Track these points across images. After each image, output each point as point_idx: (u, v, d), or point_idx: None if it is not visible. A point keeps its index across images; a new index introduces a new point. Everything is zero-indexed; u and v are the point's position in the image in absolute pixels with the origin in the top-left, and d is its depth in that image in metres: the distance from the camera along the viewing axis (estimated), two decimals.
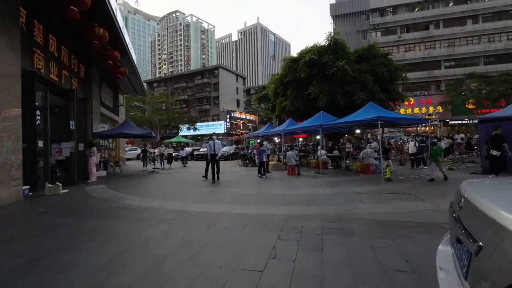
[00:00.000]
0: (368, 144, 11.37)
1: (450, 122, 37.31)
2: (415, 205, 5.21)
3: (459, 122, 37.32)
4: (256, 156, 11.94)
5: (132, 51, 15.06)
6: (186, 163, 18.29)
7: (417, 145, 12.34)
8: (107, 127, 16.18)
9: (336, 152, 13.33)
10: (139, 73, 16.42)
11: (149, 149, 15.57)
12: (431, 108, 38.61)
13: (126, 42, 11.16)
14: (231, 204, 5.64)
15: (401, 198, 5.89)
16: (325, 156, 12.58)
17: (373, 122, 8.47)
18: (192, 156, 24.41)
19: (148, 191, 7.85)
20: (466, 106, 33.71)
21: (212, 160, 9.30)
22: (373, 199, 5.86)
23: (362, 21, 46.65)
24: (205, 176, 9.83)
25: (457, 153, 14.09)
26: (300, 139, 23.24)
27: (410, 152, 12.79)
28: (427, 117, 28.02)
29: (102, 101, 14.84)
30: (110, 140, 17.93)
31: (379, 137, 11.65)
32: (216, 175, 9.33)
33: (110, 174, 13.00)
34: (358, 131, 16.59)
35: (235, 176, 11.28)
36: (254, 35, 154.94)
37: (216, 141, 9.47)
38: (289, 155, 11.00)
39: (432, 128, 33.12)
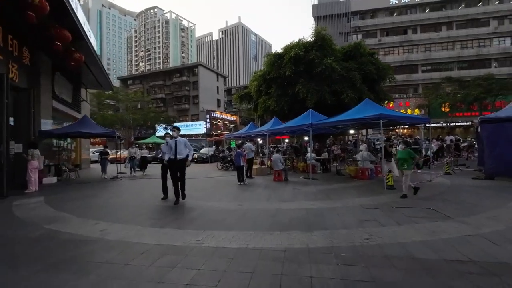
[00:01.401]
0: (363, 145, 10.26)
1: (427, 125, 38.15)
2: (448, 227, 3.97)
3: (435, 124, 38.28)
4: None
5: (92, 37, 12.96)
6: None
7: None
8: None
9: (325, 155, 12.15)
10: (102, 63, 14.25)
11: (109, 151, 13.14)
12: (409, 111, 39.31)
13: (79, 21, 9.17)
14: (202, 230, 4.08)
15: (422, 214, 4.67)
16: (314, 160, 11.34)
17: (374, 120, 7.31)
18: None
19: (96, 207, 6.02)
20: (442, 109, 34.60)
21: (173, 168, 6.13)
22: (389, 217, 4.58)
23: (344, 23, 46.78)
24: (165, 196, 6.64)
25: (448, 156, 13.51)
26: (286, 140, 22.00)
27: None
28: None
29: (55, 95, 12.58)
30: (69, 140, 15.56)
31: (374, 137, 10.61)
32: (180, 192, 6.20)
33: (63, 181, 10.84)
34: (352, 131, 15.59)
35: (212, 183, 9.67)
36: (235, 34, 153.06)
37: (179, 139, 6.16)
38: (275, 159, 9.60)
39: (410, 130, 33.54)
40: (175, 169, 6.10)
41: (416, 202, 5.72)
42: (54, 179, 10.41)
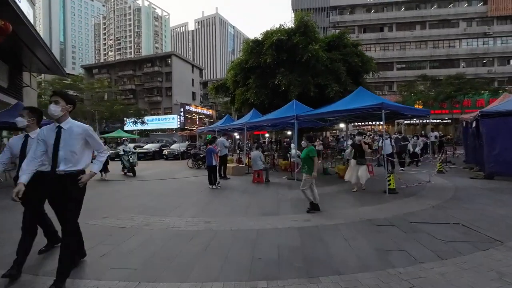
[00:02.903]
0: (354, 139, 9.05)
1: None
2: (504, 257, 2.73)
3: (408, 121, 39.20)
4: None
5: (27, 5, 10.45)
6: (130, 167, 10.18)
7: (393, 143, 10.53)
8: None
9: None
10: (42, 39, 11.67)
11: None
12: None
13: None
14: (135, 281, 2.45)
15: (457, 235, 3.42)
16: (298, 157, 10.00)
17: (375, 111, 6.07)
18: (160, 155, 20.01)
19: None
20: (416, 106, 35.34)
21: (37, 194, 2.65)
22: (417, 241, 3.26)
23: (323, 18, 46.22)
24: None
25: (439, 153, 12.91)
26: (267, 135, 20.49)
27: (387, 152, 10.94)
28: None
29: None
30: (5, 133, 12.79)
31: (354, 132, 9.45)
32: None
33: None
34: (342, 125, 14.46)
35: (177, 186, 7.93)
36: (212, 26, 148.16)
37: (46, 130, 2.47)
38: (255, 157, 8.08)
39: (388, 127, 33.85)
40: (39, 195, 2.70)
41: (433, 213, 4.53)
42: None
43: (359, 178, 6.29)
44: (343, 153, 9.37)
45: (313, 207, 4.76)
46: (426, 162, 12.08)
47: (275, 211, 4.90)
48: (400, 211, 4.66)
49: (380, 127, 36.78)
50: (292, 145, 9.91)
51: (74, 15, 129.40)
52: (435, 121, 36.59)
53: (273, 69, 15.88)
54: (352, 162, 6.58)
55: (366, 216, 4.37)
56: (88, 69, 54.41)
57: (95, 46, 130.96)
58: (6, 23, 8.12)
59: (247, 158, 11.44)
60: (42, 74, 43.48)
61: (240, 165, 10.87)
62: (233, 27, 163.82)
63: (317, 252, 3.05)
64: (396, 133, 12.43)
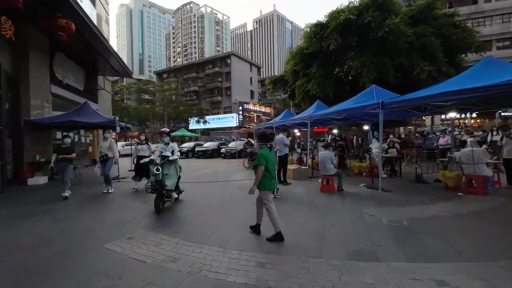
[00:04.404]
0: (471, 139, 6.32)
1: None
2: None
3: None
4: None
5: (92, 11, 10.90)
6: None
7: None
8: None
9: (393, 151, 8.34)
10: (108, 42, 12.13)
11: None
12: None
13: None
14: None
15: None
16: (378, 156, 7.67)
17: None
18: (218, 153, 19.97)
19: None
20: None
21: None
22: None
23: None
24: None
25: None
26: (335, 131, 17.88)
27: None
28: None
29: (56, 78, 10.79)
30: (82, 132, 13.98)
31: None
32: None
33: (55, 182, 8.73)
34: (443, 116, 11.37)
35: (227, 193, 6.66)
36: (270, 23, 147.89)
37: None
38: (324, 158, 6.23)
39: (481, 120, 26.83)
40: None
41: None
42: (41, 179, 8.46)
43: None
44: (451, 155, 6.68)
45: (255, 230, 3.66)
46: None
47: (369, 250, 3.06)
48: None
49: (473, 121, 29.60)
50: (374, 142, 7.68)
51: (150, 28, 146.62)
52: None
53: (339, 55, 13.58)
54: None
55: None
56: (159, 74, 60.08)
57: (166, 55, 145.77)
58: (68, 21, 8.31)
59: (310, 159, 9.61)
60: (124, 80, 49.62)
61: (303, 166, 9.09)
62: (291, 23, 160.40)
63: None
64: (495, 128, 8.92)
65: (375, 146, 7.43)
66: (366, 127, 10.16)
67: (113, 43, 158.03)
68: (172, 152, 5.33)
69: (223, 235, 3.64)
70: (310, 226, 3.97)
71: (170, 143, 5.51)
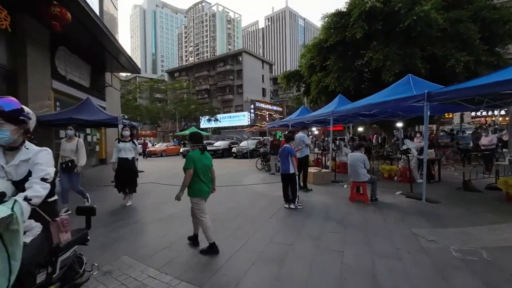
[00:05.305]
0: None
1: None
2: None
3: None
4: (278, 159, 5.58)
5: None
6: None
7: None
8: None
9: (431, 152, 7.13)
10: (113, 35, 11.44)
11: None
12: None
13: None
14: None
15: None
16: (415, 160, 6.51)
17: None
18: (229, 152, 19.19)
19: None
20: None
21: None
22: None
23: None
24: None
25: None
26: (360, 129, 16.62)
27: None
28: None
29: (59, 74, 10.22)
30: (88, 131, 13.46)
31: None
32: None
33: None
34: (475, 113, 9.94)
35: (239, 201, 5.72)
36: (282, 20, 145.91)
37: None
38: (354, 161, 5.17)
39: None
40: None
41: None
42: None
43: None
44: (509, 155, 5.45)
45: (193, 240, 3.36)
46: None
47: None
48: None
49: (501, 118, 27.32)
50: (411, 142, 6.53)
51: (163, 28, 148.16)
52: None
53: (360, 47, 12.38)
54: None
55: None
56: (170, 73, 60.07)
57: (178, 54, 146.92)
58: (63, 9, 7.61)
59: (334, 161, 8.52)
60: (137, 77, 49.63)
61: (324, 170, 8.02)
62: (304, 19, 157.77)
63: None
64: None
65: (412, 146, 6.27)
66: (399, 124, 8.92)
67: (127, 43, 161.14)
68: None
69: (246, 254, 2.69)
70: (352, 258, 2.94)
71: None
